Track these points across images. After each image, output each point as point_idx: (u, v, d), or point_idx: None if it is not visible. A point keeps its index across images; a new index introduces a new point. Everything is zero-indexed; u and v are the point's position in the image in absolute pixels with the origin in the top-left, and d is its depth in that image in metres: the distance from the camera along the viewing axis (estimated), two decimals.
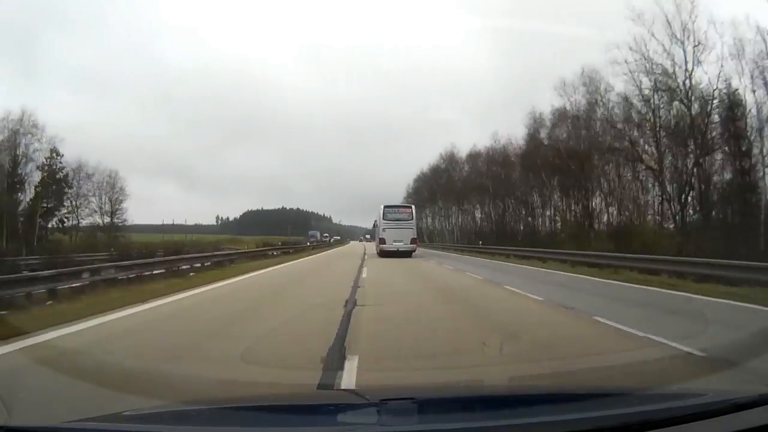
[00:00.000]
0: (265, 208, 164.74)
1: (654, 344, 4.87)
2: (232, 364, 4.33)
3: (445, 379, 3.97)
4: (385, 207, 28.34)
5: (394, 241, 26.03)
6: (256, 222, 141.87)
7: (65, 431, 1.83)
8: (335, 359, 4.34)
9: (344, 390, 3.53)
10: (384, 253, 25.98)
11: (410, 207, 30.15)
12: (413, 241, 27.17)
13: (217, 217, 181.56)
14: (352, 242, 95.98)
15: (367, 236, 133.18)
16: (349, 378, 3.80)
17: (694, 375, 3.92)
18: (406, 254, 25.89)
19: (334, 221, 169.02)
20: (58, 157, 39.96)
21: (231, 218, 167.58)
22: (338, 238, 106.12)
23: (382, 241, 26.62)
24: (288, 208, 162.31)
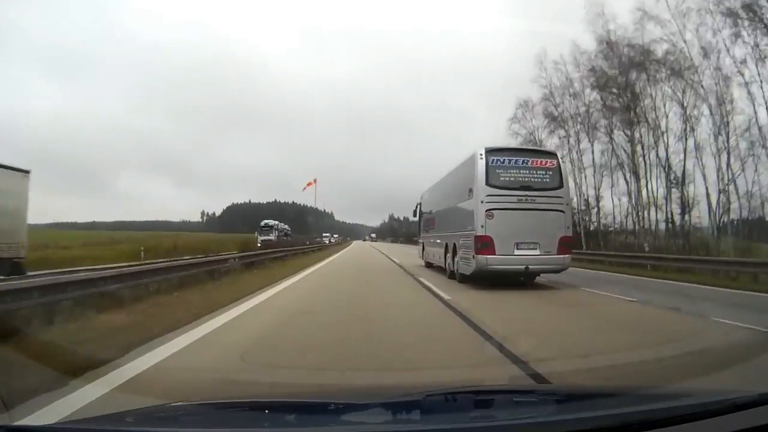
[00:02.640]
0: (253, 201, 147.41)
1: None
2: None
3: (446, 378, 3.99)
4: (491, 153, 11.14)
5: (519, 246, 10.69)
6: (242, 217, 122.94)
7: (65, 431, 1.84)
8: None
9: (345, 389, 3.53)
10: (483, 274, 11.01)
11: (554, 155, 12.18)
12: (563, 245, 11.00)
13: (203, 213, 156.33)
14: (355, 242, 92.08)
15: (373, 235, 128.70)
16: None
17: None
18: (531, 276, 11.61)
19: (336, 218, 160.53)
20: None
21: (218, 214, 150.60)
22: (328, 236, 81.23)
23: (485, 244, 10.62)
24: (282, 201, 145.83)
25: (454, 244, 12.58)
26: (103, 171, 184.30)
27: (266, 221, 52.76)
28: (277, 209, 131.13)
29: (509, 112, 33.77)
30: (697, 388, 2.94)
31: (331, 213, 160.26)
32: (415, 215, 20.64)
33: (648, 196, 26.25)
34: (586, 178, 29.45)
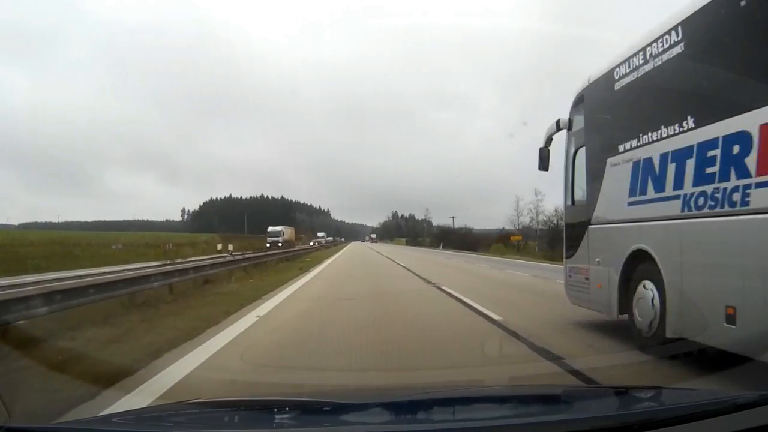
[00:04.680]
0: (234, 195, 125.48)
1: None
2: None
3: (446, 378, 3.99)
4: None
5: None
6: (219, 214, 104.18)
7: (65, 431, 1.84)
8: None
9: (345, 389, 3.53)
10: None
11: None
12: None
13: (183, 211, 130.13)
14: (353, 243, 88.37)
15: (372, 236, 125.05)
16: None
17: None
18: None
19: (333, 216, 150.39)
20: None
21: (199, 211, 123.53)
22: (280, 231, 55.41)
23: None
24: (269, 197, 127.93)
25: None
26: (81, 166, 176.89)
27: None
28: (261, 205, 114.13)
29: (509, 110, 31.20)
30: (697, 388, 2.94)
31: (327, 210, 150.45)
32: (542, 166, 7.17)
33: None
34: None
